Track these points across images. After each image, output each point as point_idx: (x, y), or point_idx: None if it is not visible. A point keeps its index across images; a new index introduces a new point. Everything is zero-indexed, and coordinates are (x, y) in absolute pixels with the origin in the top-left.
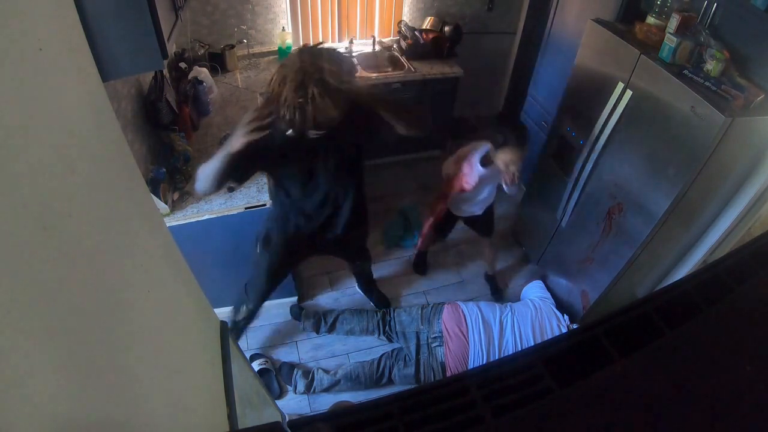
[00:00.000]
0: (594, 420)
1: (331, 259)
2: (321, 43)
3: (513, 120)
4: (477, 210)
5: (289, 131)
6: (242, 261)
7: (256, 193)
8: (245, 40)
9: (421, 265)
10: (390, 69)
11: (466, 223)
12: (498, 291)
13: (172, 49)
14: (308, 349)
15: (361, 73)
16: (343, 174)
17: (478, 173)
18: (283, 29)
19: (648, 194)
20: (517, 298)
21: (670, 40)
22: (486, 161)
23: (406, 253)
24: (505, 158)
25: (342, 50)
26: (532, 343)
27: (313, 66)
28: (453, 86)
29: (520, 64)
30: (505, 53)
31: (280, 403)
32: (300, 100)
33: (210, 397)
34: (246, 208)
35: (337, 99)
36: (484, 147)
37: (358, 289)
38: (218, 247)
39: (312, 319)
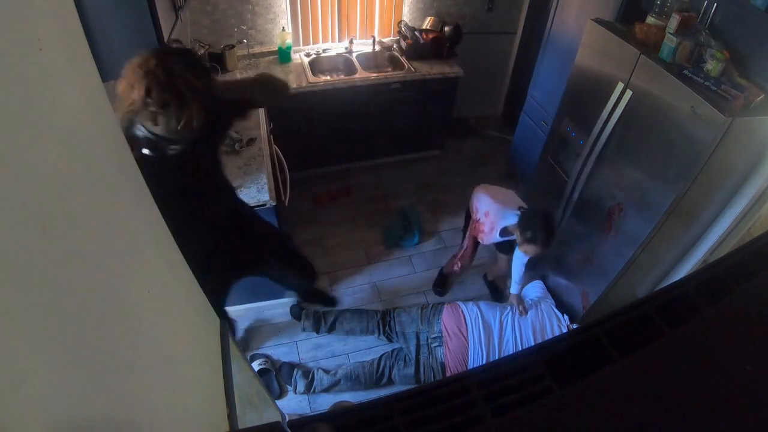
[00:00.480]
0: (594, 420)
1: (331, 259)
2: (172, 43)
3: (551, 225)
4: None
5: (145, 150)
6: None
7: (256, 193)
8: (245, 40)
9: (442, 285)
10: (390, 69)
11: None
12: (498, 293)
13: None
14: (308, 349)
15: (360, 73)
16: (218, 184)
17: (495, 239)
18: (283, 29)
19: (648, 194)
20: None
21: (670, 40)
22: (506, 233)
23: (406, 253)
24: (526, 249)
25: (341, 50)
26: (533, 343)
27: (162, 69)
28: (453, 86)
29: (520, 64)
30: (505, 53)
31: (280, 403)
32: (151, 108)
33: (210, 397)
34: None
35: (193, 103)
36: (513, 216)
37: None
38: None
39: (312, 319)
